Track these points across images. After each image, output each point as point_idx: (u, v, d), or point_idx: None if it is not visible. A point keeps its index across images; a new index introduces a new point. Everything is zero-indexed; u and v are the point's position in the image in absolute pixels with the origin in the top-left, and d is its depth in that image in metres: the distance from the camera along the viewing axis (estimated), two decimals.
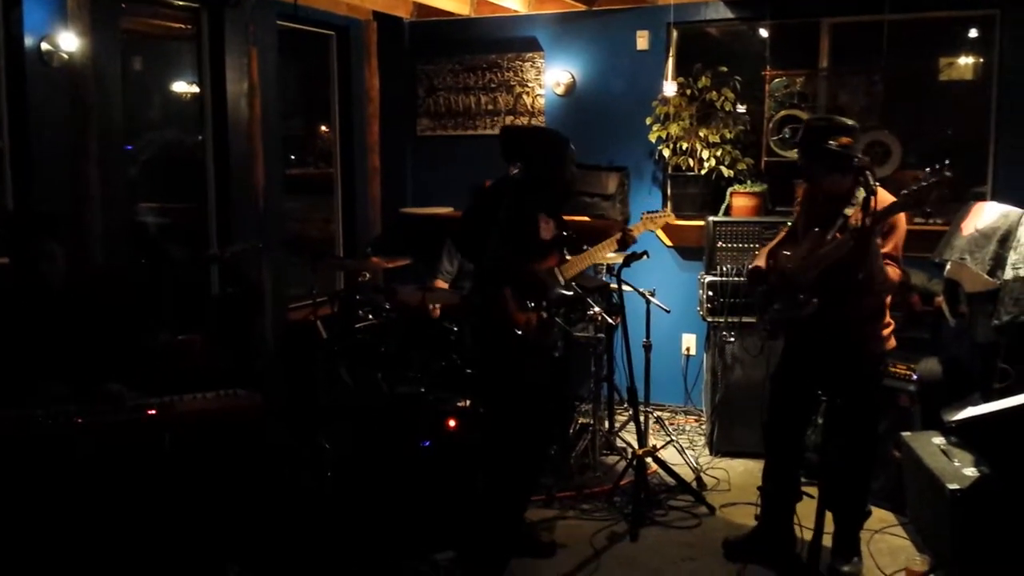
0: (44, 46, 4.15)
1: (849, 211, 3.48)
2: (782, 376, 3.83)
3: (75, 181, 4.18)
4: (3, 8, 4.08)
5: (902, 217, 3.52)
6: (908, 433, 4.25)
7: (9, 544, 3.00)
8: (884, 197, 3.46)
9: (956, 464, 3.82)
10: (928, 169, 3.25)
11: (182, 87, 5.38)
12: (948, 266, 4.33)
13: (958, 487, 3.59)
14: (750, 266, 3.98)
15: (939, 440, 4.09)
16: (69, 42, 4.13)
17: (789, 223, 4.12)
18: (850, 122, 3.50)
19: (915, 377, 4.42)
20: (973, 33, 5.49)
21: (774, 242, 3.90)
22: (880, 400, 3.87)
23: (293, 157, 6.27)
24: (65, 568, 3.05)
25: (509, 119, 6.29)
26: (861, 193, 3.39)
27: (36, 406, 3.09)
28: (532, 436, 3.83)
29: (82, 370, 3.29)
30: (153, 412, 3.16)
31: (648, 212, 4.67)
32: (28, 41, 4.10)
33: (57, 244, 3.38)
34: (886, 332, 3.65)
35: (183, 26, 5.24)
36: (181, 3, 5.08)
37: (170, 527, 3.17)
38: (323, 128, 6.42)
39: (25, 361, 3.24)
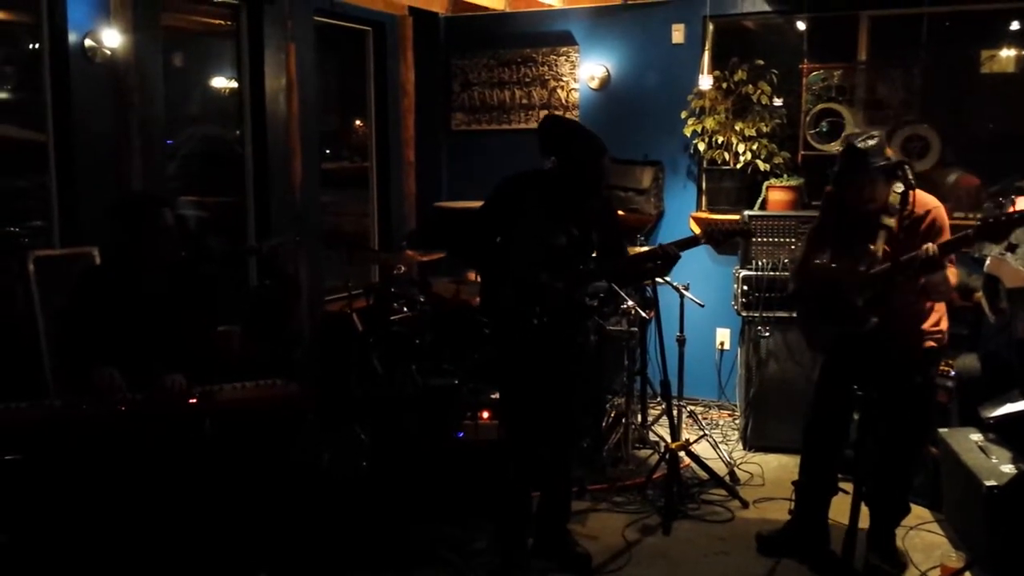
0: (87, 42, 4.23)
1: (891, 221, 3.43)
2: (829, 377, 3.77)
3: (117, 175, 4.26)
4: (48, 5, 4.17)
5: (944, 214, 3.48)
6: (945, 430, 4.21)
7: (50, 531, 3.08)
8: (920, 197, 3.42)
9: (994, 461, 3.78)
10: (1004, 198, 3.11)
11: (221, 82, 5.46)
12: (988, 261, 4.27)
13: (995, 484, 3.55)
14: (792, 290, 3.90)
15: (977, 437, 4.05)
16: (112, 38, 4.22)
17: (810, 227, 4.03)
18: (880, 132, 3.53)
19: (953, 373, 4.38)
20: (1015, 26, 5.40)
21: (802, 256, 3.82)
22: (932, 397, 3.84)
23: (329, 151, 6.33)
24: (110, 554, 3.12)
25: (543, 113, 6.30)
26: (896, 200, 3.39)
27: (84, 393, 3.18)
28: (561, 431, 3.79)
29: (144, 357, 3.37)
30: (194, 400, 3.23)
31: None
32: (72, 37, 4.18)
33: (164, 227, 3.43)
34: (943, 326, 3.61)
35: (223, 22, 5.31)
36: (221, 0, 5.17)
37: (207, 516, 3.23)
38: (359, 123, 6.48)
39: (101, 343, 3.33)
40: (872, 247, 3.43)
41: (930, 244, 3.23)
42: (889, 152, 3.42)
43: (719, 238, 3.73)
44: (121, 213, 3.46)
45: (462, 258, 3.81)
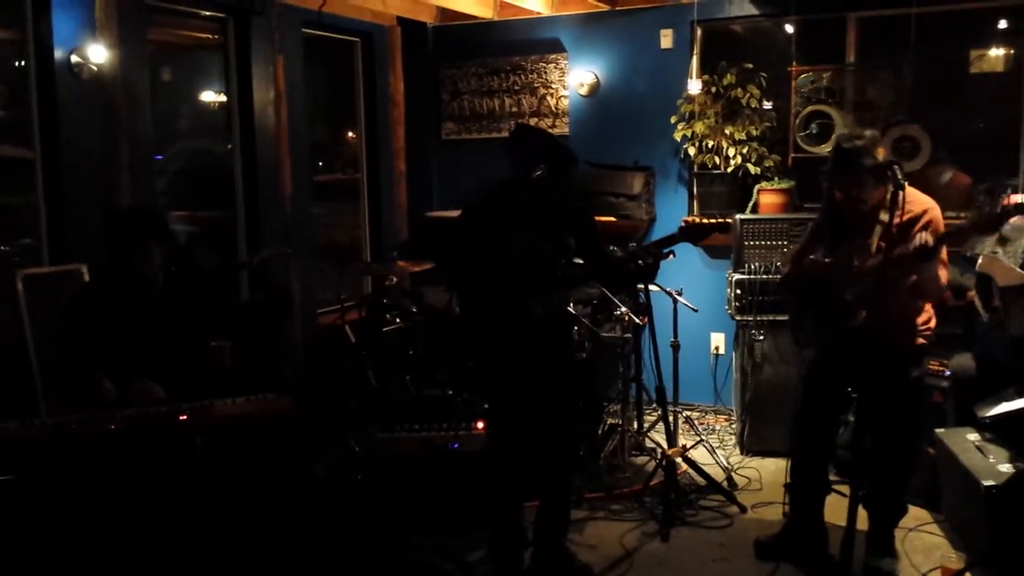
0: (74, 58, 4.21)
1: (886, 216, 3.43)
2: (816, 374, 3.77)
3: (106, 191, 4.24)
4: (33, 21, 4.16)
5: (939, 214, 3.46)
6: (942, 430, 4.20)
7: (42, 550, 3.05)
8: (916, 197, 3.41)
9: (991, 460, 3.77)
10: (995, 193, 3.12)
11: (210, 96, 5.44)
12: (980, 260, 4.27)
13: (993, 483, 3.54)
14: (783, 275, 3.92)
15: (973, 436, 4.04)
16: (98, 54, 4.20)
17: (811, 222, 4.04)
18: (872, 132, 3.51)
19: (948, 373, 4.37)
20: (1003, 24, 5.41)
21: (799, 247, 3.85)
22: (922, 396, 3.83)
23: (320, 163, 6.32)
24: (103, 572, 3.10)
25: (534, 121, 6.30)
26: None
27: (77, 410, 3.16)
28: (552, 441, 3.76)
29: (136, 374, 3.35)
30: (185, 417, 3.20)
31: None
32: (58, 53, 4.17)
33: (154, 242, 3.43)
34: (932, 324, 3.62)
35: (210, 36, 5.30)
36: (208, 13, 5.15)
37: (200, 534, 3.20)
38: (349, 134, 6.47)
39: (96, 358, 3.32)
40: (867, 244, 3.43)
41: (924, 233, 3.23)
42: (880, 152, 3.40)
43: (696, 233, 3.70)
44: (107, 229, 3.45)
45: (448, 271, 3.79)
